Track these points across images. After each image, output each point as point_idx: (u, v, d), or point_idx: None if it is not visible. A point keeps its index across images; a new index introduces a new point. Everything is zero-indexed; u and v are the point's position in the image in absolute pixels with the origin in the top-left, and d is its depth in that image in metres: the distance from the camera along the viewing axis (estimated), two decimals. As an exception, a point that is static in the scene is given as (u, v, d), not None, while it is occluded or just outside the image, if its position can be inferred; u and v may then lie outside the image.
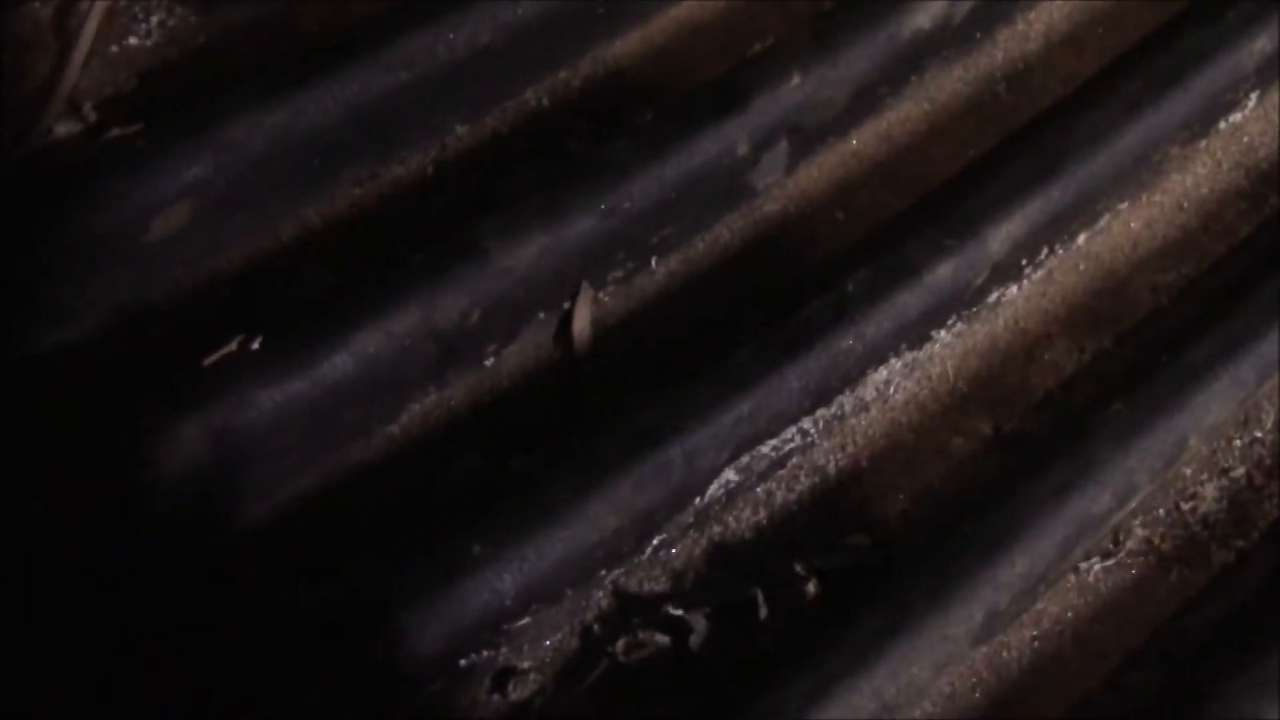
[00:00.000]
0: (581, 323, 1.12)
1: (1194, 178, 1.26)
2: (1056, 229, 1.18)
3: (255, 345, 1.01)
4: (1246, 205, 1.26)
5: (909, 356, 1.13)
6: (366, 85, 1.15)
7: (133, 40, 1.23)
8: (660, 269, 1.17)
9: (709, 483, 1.04)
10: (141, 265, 1.10)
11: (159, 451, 0.98)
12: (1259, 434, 1.15)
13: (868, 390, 1.11)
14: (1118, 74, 1.25)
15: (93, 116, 1.18)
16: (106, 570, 0.96)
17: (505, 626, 0.97)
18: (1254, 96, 1.27)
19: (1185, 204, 1.25)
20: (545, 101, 1.24)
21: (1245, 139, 1.28)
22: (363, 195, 1.18)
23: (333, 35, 1.20)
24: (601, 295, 1.14)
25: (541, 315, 1.12)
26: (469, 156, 1.21)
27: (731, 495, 1.06)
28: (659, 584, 1.03)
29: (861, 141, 1.24)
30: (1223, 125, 1.27)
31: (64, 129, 1.17)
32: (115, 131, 1.17)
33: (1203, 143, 1.26)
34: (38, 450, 0.98)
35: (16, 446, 0.98)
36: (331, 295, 1.09)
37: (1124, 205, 1.23)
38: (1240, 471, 1.14)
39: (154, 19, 1.24)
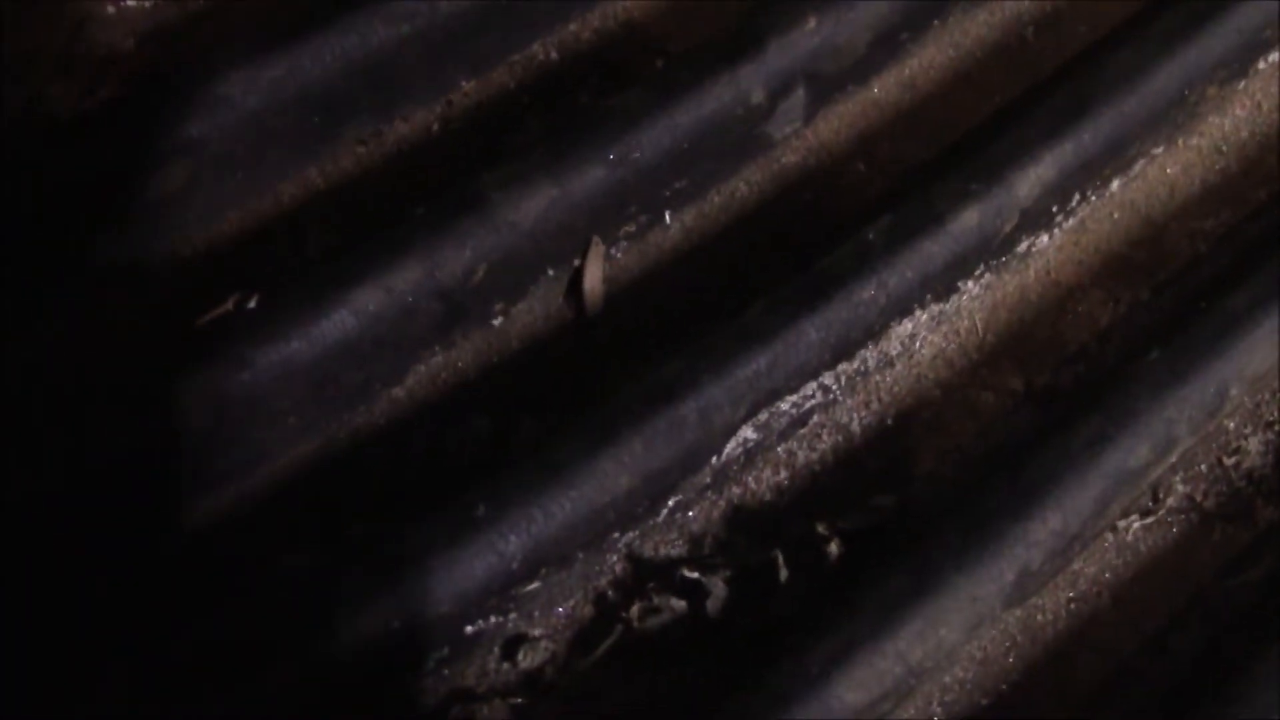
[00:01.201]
0: (593, 279, 1.08)
1: (1232, 120, 1.20)
2: (1088, 174, 1.13)
3: (251, 304, 0.97)
4: (1288, 148, 1.20)
5: (935, 309, 1.08)
6: (366, 39, 1.12)
7: (130, 2, 1.20)
8: (674, 223, 1.12)
9: (726, 441, 0.99)
10: (139, 226, 1.07)
11: (155, 413, 0.95)
12: (1304, 384, 1.10)
13: (892, 344, 1.07)
14: (1150, 13, 1.20)
15: (88, 78, 1.15)
16: (103, 535, 0.93)
17: (514, 592, 0.93)
18: (1294, 34, 1.22)
19: (1224, 147, 1.20)
20: (554, 55, 1.20)
21: (1286, 79, 1.22)
22: (366, 153, 1.14)
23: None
24: (614, 251, 1.10)
25: (551, 272, 1.08)
26: (476, 112, 1.17)
27: (750, 455, 1.02)
28: (675, 547, 0.99)
29: (883, 89, 1.19)
30: (1262, 65, 1.21)
31: (58, 90, 1.14)
32: (110, 92, 1.14)
33: (1241, 83, 1.21)
34: (30, 413, 0.95)
35: (8, 407, 0.95)
36: (331, 254, 1.05)
37: (1159, 149, 1.17)
38: (1285, 424, 1.08)
39: (150, -20, 1.21)
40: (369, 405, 1.02)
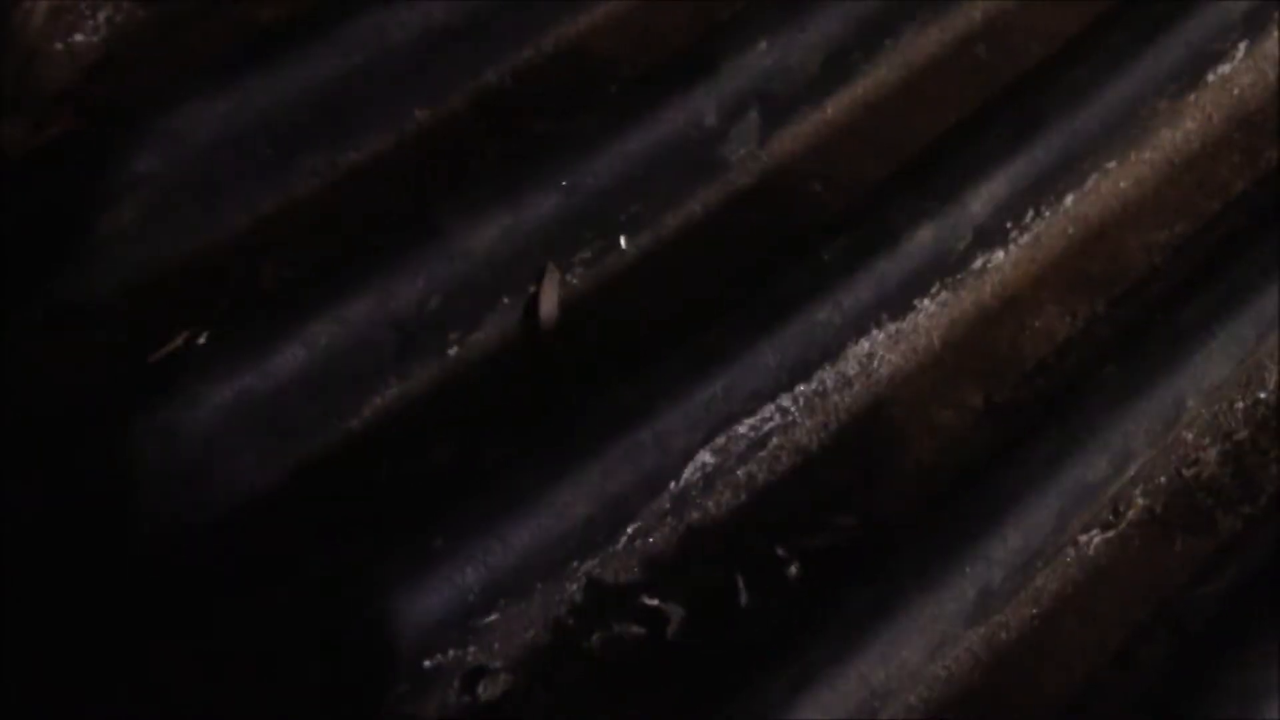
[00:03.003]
0: (549, 305, 1.08)
1: (1184, 133, 1.21)
2: (1041, 190, 1.13)
3: (201, 340, 0.96)
4: (1240, 159, 1.21)
5: (892, 327, 1.08)
6: (318, 69, 1.12)
7: (79, 37, 1.19)
8: (630, 247, 1.12)
9: (684, 466, 0.99)
10: (89, 262, 1.06)
11: (106, 454, 0.94)
12: (1262, 395, 1.10)
13: (849, 364, 1.07)
14: (1100, 28, 1.21)
15: (37, 114, 1.14)
16: (55, 574, 0.92)
17: (473, 624, 0.92)
18: (1243, 46, 1.23)
19: (1176, 160, 1.20)
20: (508, 81, 1.20)
21: (1235, 91, 1.23)
22: (319, 184, 1.13)
23: (285, 21, 1.16)
24: (569, 276, 1.10)
25: (506, 300, 1.07)
26: (430, 140, 1.16)
27: (709, 478, 1.01)
28: (635, 574, 0.98)
29: (837, 109, 1.20)
30: (1211, 77, 1.22)
31: (7, 127, 1.13)
32: (59, 128, 1.13)
33: (1192, 96, 1.21)
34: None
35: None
36: (285, 287, 1.05)
37: (1112, 164, 1.18)
38: (1244, 434, 1.08)
39: (101, 15, 1.21)
40: (325, 439, 1.01)
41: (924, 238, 1.07)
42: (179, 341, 0.98)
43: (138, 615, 0.93)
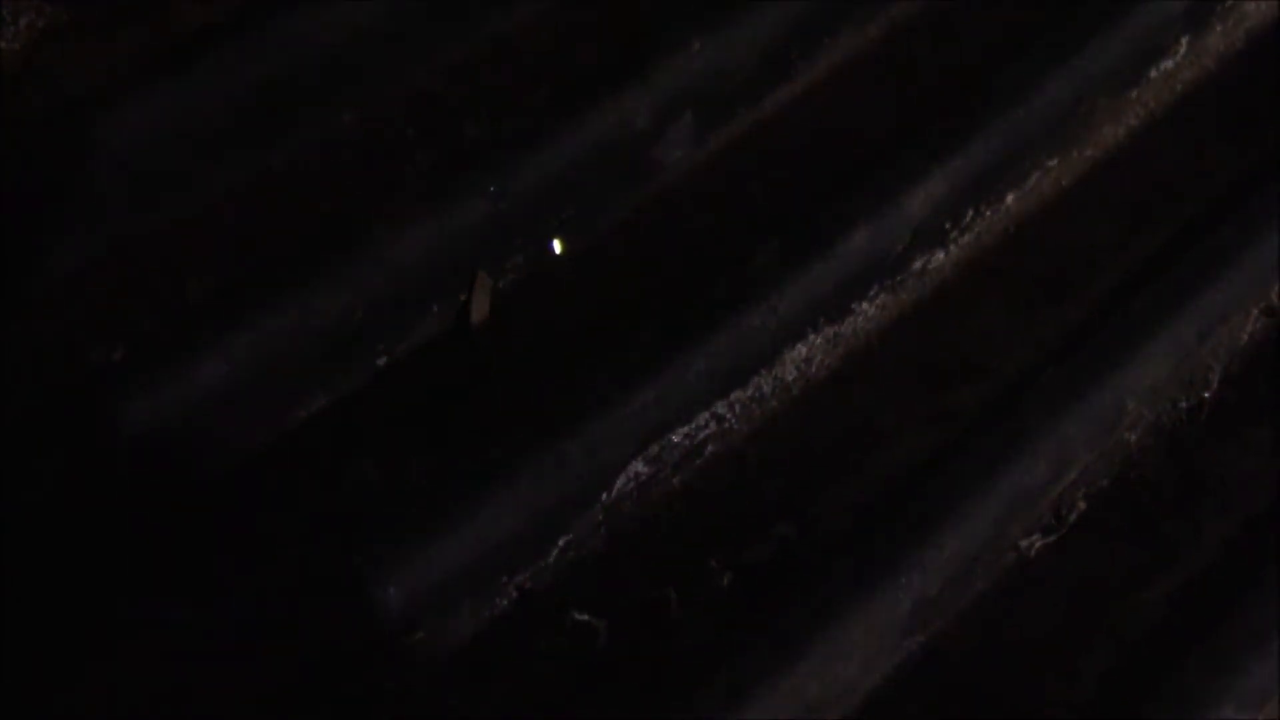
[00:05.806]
0: (480, 313, 1.06)
1: (1126, 129, 1.20)
2: (982, 189, 1.12)
3: (116, 356, 0.94)
4: (1183, 156, 1.19)
5: (829, 331, 1.06)
6: (243, 74, 1.09)
7: (1, 44, 1.16)
8: (563, 253, 1.10)
9: (616, 476, 0.97)
10: (9, 276, 1.03)
11: (21, 472, 0.91)
12: (1206, 394, 1.09)
13: (787, 369, 1.05)
14: (1040, 26, 1.19)
15: (-47, 125, 1.11)
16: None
17: (397, 643, 0.90)
18: (1185, 41, 1.21)
19: (1119, 157, 1.19)
20: (439, 86, 1.17)
21: (1178, 86, 1.22)
22: (245, 193, 1.11)
23: (210, 26, 1.14)
24: (501, 283, 1.07)
25: (436, 308, 1.05)
26: (359, 146, 1.14)
27: (643, 489, 0.99)
28: (566, 588, 0.96)
29: (774, 109, 1.18)
30: (1153, 73, 1.20)
31: (-77, 140, 1.10)
32: (-26, 139, 1.10)
33: (1133, 92, 1.20)
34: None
35: None
36: (207, 299, 1.02)
37: (1053, 162, 1.16)
38: (1188, 435, 1.07)
39: (22, 21, 1.17)
40: (249, 455, 0.99)
41: (861, 239, 1.06)
42: (96, 357, 0.95)
43: (45, 641, 0.90)
